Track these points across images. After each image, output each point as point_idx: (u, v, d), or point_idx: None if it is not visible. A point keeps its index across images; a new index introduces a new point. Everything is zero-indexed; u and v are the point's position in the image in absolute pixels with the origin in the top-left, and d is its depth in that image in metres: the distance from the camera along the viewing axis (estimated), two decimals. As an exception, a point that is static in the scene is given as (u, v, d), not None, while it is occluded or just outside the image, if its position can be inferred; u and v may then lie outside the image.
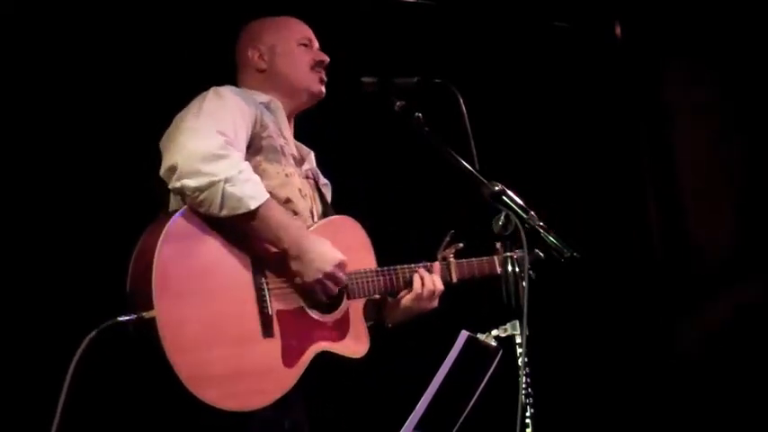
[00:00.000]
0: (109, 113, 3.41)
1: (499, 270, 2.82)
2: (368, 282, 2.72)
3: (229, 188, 2.39)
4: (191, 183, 2.39)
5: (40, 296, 3.24)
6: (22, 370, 3.16)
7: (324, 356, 2.59)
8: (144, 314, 2.29)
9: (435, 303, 2.83)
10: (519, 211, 2.27)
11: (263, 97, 2.80)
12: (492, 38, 4.31)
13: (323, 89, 2.88)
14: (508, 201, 2.30)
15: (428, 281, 2.79)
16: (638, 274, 4.45)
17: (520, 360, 2.27)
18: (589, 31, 4.52)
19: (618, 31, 4.58)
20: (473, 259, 2.94)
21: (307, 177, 2.85)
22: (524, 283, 2.29)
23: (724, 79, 4.33)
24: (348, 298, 2.68)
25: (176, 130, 2.50)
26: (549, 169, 4.31)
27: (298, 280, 2.54)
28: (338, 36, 3.05)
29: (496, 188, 2.32)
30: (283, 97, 2.83)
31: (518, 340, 2.32)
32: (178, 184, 2.41)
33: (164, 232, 2.37)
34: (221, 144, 2.44)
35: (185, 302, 2.35)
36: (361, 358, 2.67)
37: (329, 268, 2.54)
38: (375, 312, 2.88)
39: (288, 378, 2.49)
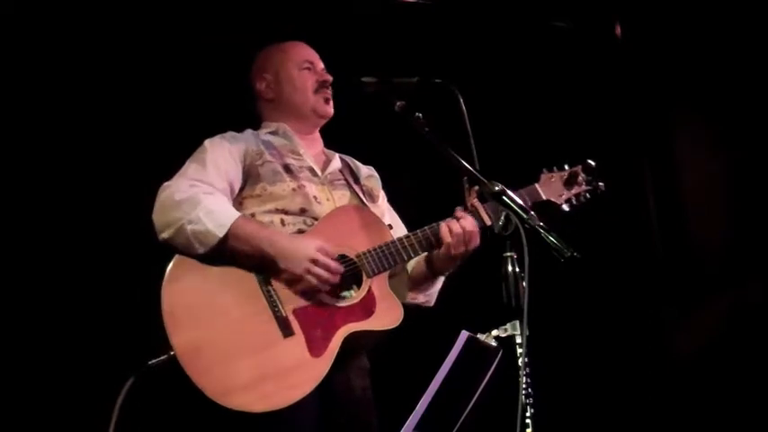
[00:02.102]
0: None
1: (528, 200, 2.85)
2: (384, 255, 2.72)
3: (194, 227, 2.59)
4: (165, 235, 2.63)
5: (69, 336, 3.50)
6: (60, 422, 3.43)
7: (357, 335, 2.64)
8: (170, 353, 2.53)
9: (476, 242, 2.78)
10: (519, 211, 2.27)
11: (271, 126, 2.99)
12: (492, 38, 4.31)
13: (329, 109, 2.99)
14: (508, 201, 2.30)
15: (455, 226, 2.75)
16: (637, 274, 4.45)
17: (520, 360, 2.27)
18: (589, 30, 4.52)
19: (618, 31, 4.57)
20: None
21: (331, 181, 2.93)
22: (524, 284, 2.29)
23: (724, 79, 4.33)
24: (369, 277, 2.70)
25: None
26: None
27: (289, 276, 2.62)
28: (338, 36, 3.06)
29: (496, 188, 2.32)
30: (294, 121, 2.99)
31: (518, 340, 2.32)
32: (160, 238, 2.65)
33: (165, 276, 2.60)
34: (182, 188, 2.65)
35: (198, 331, 2.55)
36: (395, 328, 2.69)
37: (312, 254, 2.60)
38: (429, 283, 2.93)
39: (320, 366, 2.57)
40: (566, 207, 2.92)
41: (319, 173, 2.92)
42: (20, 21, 3.37)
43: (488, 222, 2.80)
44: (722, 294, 4.32)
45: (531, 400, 2.26)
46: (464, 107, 2.60)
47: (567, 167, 2.98)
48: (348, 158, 3.09)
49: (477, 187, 2.76)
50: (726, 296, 4.32)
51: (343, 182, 2.96)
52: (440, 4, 4.12)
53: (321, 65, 3.04)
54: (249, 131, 2.95)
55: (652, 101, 4.57)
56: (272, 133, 2.96)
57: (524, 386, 2.24)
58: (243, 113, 3.07)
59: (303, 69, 2.99)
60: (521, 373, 2.25)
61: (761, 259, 4.22)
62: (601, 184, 2.98)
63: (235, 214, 2.63)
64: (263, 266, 2.63)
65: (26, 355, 3.44)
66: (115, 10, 3.50)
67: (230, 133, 2.88)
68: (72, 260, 3.54)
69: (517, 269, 2.33)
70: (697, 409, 4.20)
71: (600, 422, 4.23)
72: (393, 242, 2.75)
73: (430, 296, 2.99)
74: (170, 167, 2.78)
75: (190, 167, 2.75)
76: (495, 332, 2.41)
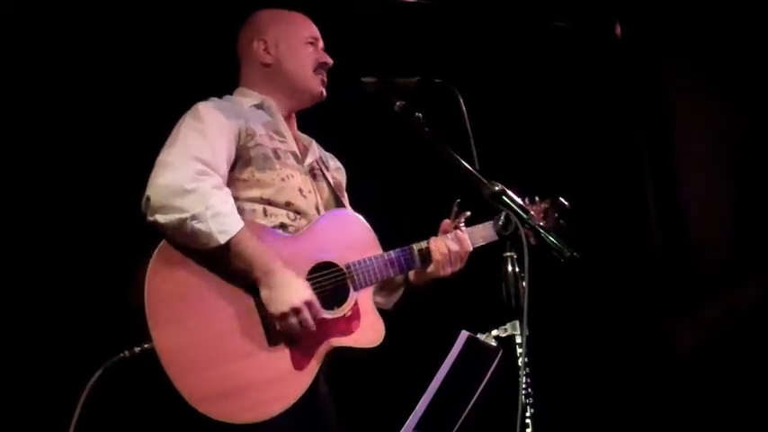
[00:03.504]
0: (119, 128, 3.47)
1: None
2: (372, 269, 2.69)
3: (197, 225, 2.43)
4: (161, 219, 2.45)
5: (42, 329, 3.34)
6: (27, 408, 3.26)
7: (338, 352, 2.60)
8: (145, 345, 2.37)
9: (463, 264, 2.82)
10: (519, 211, 2.28)
11: (256, 98, 2.84)
12: (492, 38, 4.31)
13: (324, 91, 2.91)
14: (508, 201, 2.30)
15: (442, 246, 2.77)
16: (637, 274, 4.45)
17: (520, 360, 2.28)
18: (589, 30, 4.52)
19: (618, 30, 4.57)
20: (486, 223, 2.89)
21: (312, 170, 2.86)
22: (524, 283, 2.29)
23: (724, 79, 4.33)
24: (355, 290, 2.66)
25: (155, 164, 2.54)
26: (548, 169, 4.31)
27: (264, 309, 2.50)
28: (338, 36, 3.05)
29: (496, 188, 2.32)
30: (282, 95, 2.87)
31: (518, 340, 2.32)
32: (151, 219, 2.47)
33: (150, 264, 2.42)
34: (191, 176, 2.48)
35: (182, 328, 2.40)
36: (376, 347, 2.65)
37: (297, 303, 2.47)
38: (395, 290, 2.91)
39: (302, 380, 2.50)
40: (533, 240, 2.89)
41: (301, 159, 2.84)
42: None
43: (470, 249, 2.84)
44: (722, 294, 4.33)
45: (531, 400, 2.26)
46: (464, 107, 2.59)
47: (537, 200, 3.02)
48: (316, 144, 3.01)
49: (467, 213, 2.85)
50: (726, 296, 4.32)
51: (320, 172, 2.91)
52: (440, 4, 4.12)
53: (322, 44, 2.95)
54: (236, 100, 2.82)
55: (652, 101, 4.58)
56: (258, 106, 2.83)
57: (524, 386, 2.25)
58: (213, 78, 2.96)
59: (307, 44, 2.90)
60: (521, 373, 2.25)
61: (761, 259, 4.22)
62: (562, 222, 3.00)
63: (239, 224, 2.49)
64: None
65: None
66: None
67: (222, 103, 2.75)
68: (41, 239, 3.40)
69: (517, 269, 2.33)
70: (697, 409, 4.20)
71: (600, 422, 4.23)
72: (382, 256, 2.73)
73: (391, 302, 2.96)
74: (138, 144, 2.67)
75: (189, 137, 2.57)
76: (495, 332, 2.41)
